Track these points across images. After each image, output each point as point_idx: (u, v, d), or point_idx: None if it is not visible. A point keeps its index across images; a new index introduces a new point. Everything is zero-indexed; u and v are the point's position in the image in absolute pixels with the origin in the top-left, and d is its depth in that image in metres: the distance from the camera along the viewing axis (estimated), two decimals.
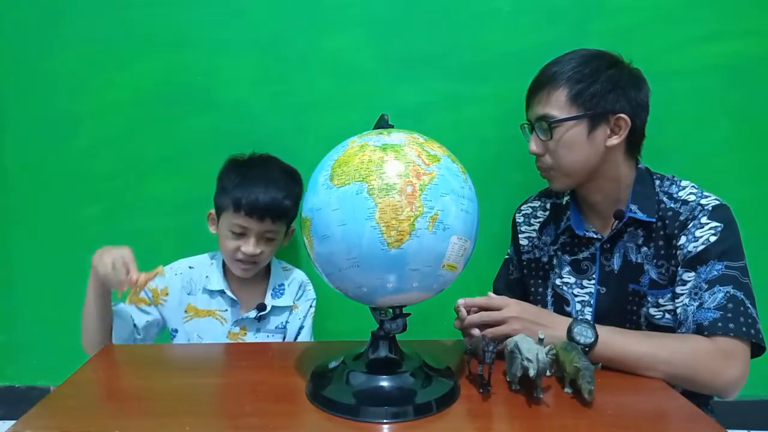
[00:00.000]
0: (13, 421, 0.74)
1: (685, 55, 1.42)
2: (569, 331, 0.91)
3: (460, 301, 0.97)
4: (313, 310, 1.35)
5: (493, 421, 0.77)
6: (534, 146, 1.06)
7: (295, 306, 1.32)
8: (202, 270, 1.29)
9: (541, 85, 1.04)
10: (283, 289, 1.32)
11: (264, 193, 1.21)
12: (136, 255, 1.52)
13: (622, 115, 1.01)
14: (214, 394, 0.85)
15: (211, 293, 1.27)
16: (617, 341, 0.91)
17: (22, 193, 1.55)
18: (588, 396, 0.77)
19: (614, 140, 1.02)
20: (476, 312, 0.95)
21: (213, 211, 1.28)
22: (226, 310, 1.27)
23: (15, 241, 1.58)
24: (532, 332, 0.88)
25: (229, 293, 1.26)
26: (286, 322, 1.30)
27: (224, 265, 1.30)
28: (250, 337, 1.27)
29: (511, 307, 0.94)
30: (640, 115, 1.04)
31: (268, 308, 1.27)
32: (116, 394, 0.84)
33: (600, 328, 0.91)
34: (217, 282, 1.27)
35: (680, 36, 1.42)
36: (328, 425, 0.75)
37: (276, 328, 1.29)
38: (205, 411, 0.80)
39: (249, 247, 1.20)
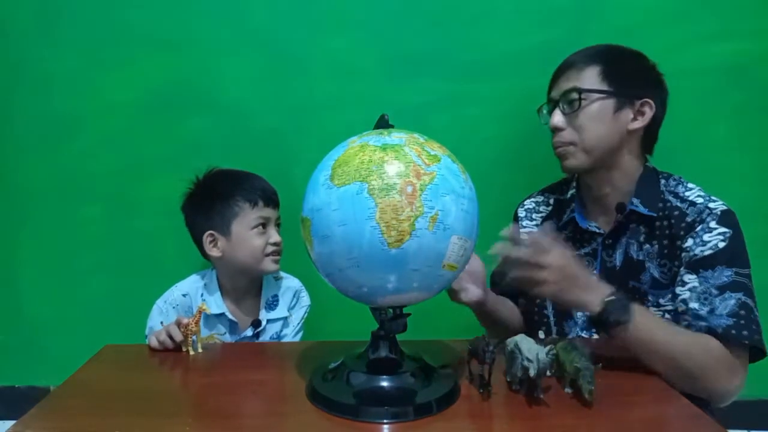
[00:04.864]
0: (13, 421, 0.74)
1: (686, 55, 1.42)
2: (604, 307, 0.86)
3: (505, 232, 0.91)
4: (306, 315, 1.35)
5: (493, 421, 0.77)
6: (557, 119, 1.06)
7: (290, 315, 1.32)
8: (196, 295, 1.27)
9: (572, 63, 1.06)
10: (277, 300, 1.31)
11: (263, 181, 1.26)
12: (136, 255, 1.55)
13: (648, 100, 1.03)
14: (214, 394, 0.85)
15: (211, 318, 1.24)
16: (647, 325, 0.87)
17: (22, 193, 1.55)
18: (588, 396, 0.77)
19: (636, 124, 1.04)
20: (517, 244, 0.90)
21: (212, 231, 1.22)
22: (225, 333, 1.25)
23: (15, 241, 1.58)
24: (562, 289, 0.87)
25: (229, 316, 1.25)
26: (281, 331, 1.30)
27: (220, 285, 1.28)
28: None
29: (556, 253, 0.88)
30: (660, 110, 1.06)
31: (264, 323, 1.26)
32: (116, 394, 0.84)
33: (637, 310, 0.87)
34: (217, 305, 1.25)
35: (681, 36, 1.41)
36: (328, 425, 0.74)
37: (270, 338, 1.29)
38: (205, 411, 0.80)
39: (275, 235, 1.24)
